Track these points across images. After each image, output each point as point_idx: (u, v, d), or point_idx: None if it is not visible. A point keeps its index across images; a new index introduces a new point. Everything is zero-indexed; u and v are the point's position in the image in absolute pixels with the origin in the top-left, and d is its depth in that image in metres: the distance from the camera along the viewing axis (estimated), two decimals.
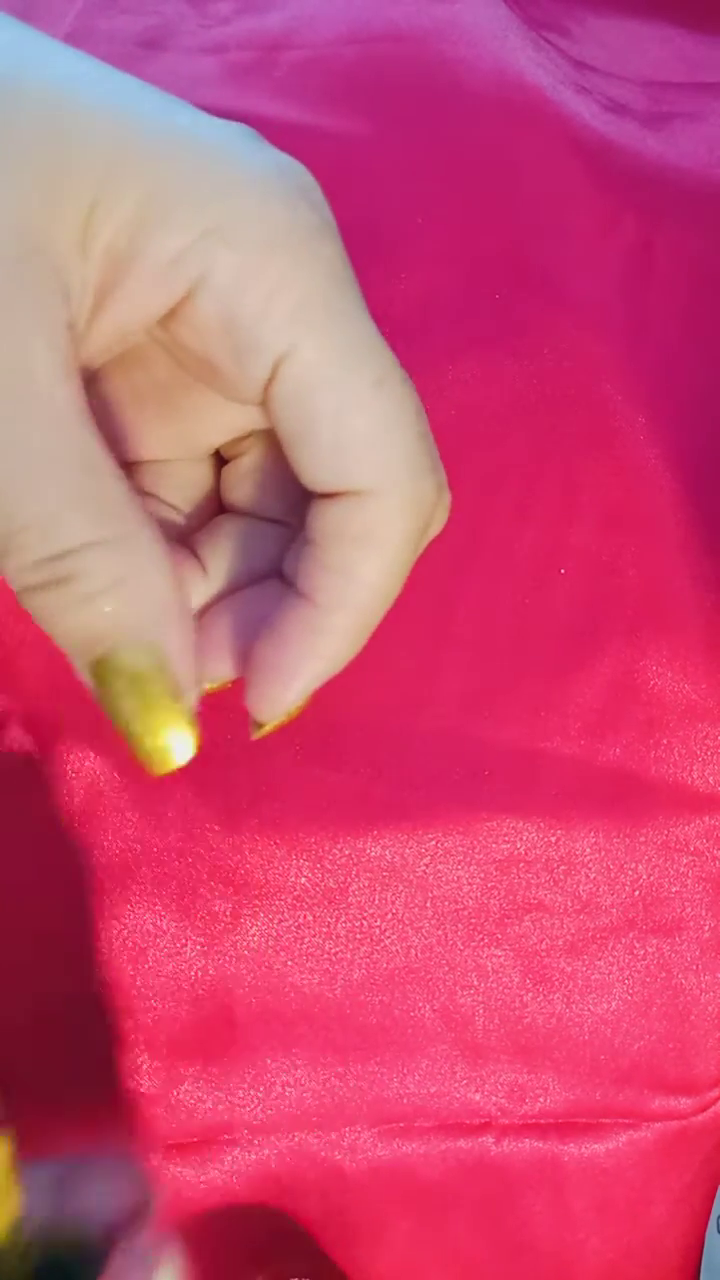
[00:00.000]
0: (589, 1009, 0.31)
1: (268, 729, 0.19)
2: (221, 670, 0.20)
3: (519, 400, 0.33)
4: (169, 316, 0.17)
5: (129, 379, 0.19)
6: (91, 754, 0.31)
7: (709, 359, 0.35)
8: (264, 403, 0.17)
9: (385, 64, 0.36)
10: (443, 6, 0.37)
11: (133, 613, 0.16)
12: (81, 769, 0.31)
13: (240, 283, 0.16)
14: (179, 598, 0.17)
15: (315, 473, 0.17)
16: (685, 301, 0.35)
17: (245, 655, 0.19)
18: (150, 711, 0.17)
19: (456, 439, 0.33)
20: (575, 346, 0.34)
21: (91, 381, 0.19)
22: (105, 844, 0.30)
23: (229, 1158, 0.30)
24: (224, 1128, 0.30)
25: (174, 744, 0.17)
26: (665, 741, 0.32)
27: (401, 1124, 0.31)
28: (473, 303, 0.34)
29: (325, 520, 0.18)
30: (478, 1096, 0.31)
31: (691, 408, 0.34)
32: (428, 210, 0.35)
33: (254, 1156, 0.30)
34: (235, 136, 0.17)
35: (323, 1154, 0.31)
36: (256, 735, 0.19)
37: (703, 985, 0.31)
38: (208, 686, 0.19)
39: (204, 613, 0.20)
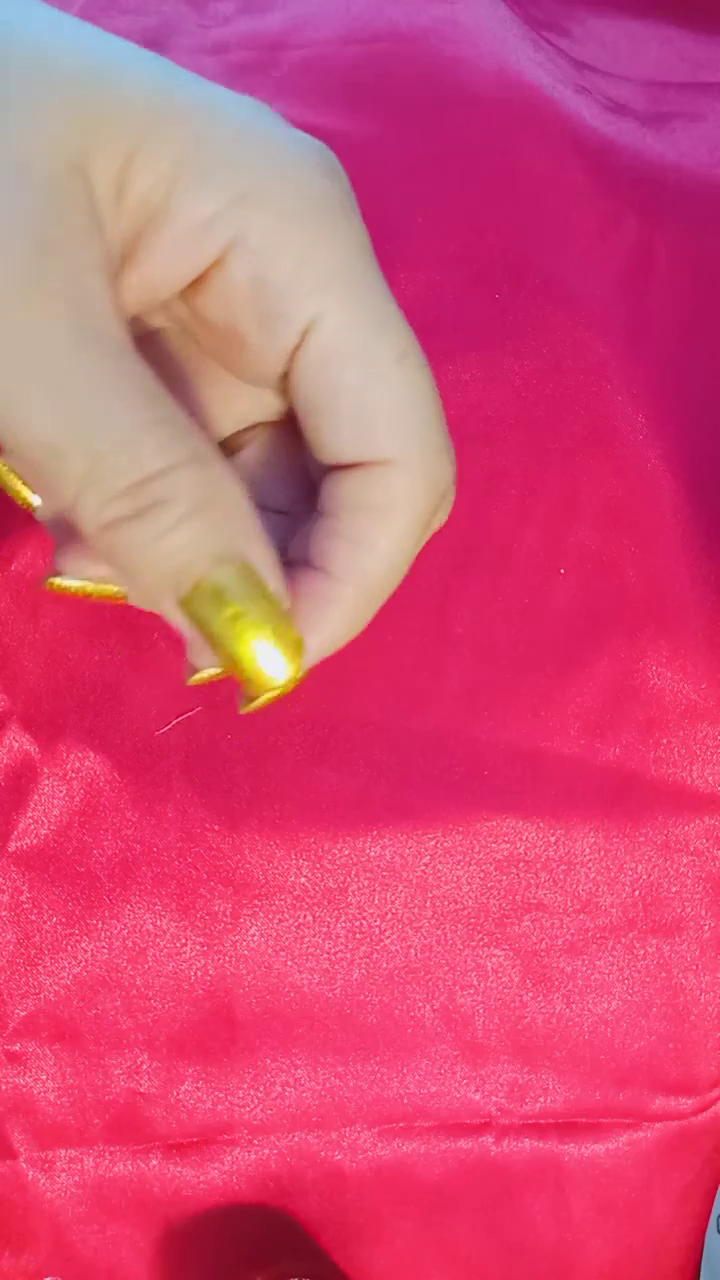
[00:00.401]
0: (589, 1009, 0.31)
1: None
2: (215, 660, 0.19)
3: (519, 400, 0.33)
4: (193, 287, 0.17)
5: None
6: (91, 754, 0.31)
7: (709, 359, 0.35)
8: (285, 374, 0.17)
9: (385, 64, 0.36)
10: (443, 6, 0.37)
11: (219, 533, 0.16)
12: (81, 769, 0.31)
13: (272, 247, 0.16)
14: (254, 510, 0.17)
15: (336, 444, 0.17)
16: (685, 301, 0.35)
17: None
18: (252, 630, 0.17)
19: (457, 439, 0.33)
20: (575, 346, 0.34)
21: None
22: (105, 844, 0.30)
23: (229, 1158, 0.30)
24: (224, 1128, 0.30)
25: (280, 660, 0.17)
26: (665, 741, 0.32)
27: (401, 1124, 0.31)
28: (473, 303, 0.34)
29: (342, 490, 0.18)
30: (478, 1096, 0.31)
31: (691, 408, 0.34)
32: (428, 210, 0.35)
33: (254, 1156, 0.31)
34: (262, 111, 0.17)
35: (323, 1154, 0.31)
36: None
37: (703, 985, 0.31)
38: (205, 676, 0.19)
39: None
